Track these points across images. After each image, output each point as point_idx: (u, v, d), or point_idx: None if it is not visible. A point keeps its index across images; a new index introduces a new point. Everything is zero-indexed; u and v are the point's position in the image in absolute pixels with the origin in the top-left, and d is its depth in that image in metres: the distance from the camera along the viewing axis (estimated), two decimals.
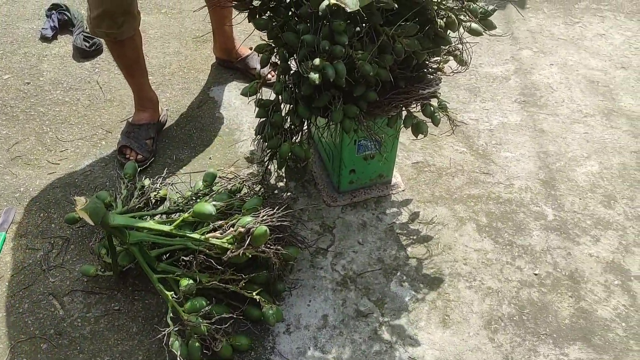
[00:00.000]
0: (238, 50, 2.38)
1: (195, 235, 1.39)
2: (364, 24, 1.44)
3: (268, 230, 1.35)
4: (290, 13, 1.46)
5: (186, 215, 1.41)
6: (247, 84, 1.81)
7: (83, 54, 2.52)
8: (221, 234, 1.38)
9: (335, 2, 1.29)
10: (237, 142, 2.16)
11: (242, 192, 1.73)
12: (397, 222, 1.90)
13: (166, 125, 2.24)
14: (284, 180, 2.03)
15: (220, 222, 1.41)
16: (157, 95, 2.27)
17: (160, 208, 1.58)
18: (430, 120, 1.66)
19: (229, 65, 2.45)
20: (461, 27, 1.51)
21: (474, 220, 1.91)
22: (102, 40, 2.50)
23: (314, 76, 1.35)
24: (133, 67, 1.99)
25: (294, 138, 1.64)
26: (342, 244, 1.84)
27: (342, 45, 1.37)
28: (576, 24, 2.76)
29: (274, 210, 1.42)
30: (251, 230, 1.34)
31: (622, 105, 2.33)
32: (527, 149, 2.15)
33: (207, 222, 1.44)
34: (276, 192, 1.99)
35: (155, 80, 2.43)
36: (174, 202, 1.63)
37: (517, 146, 2.16)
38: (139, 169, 1.97)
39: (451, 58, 1.68)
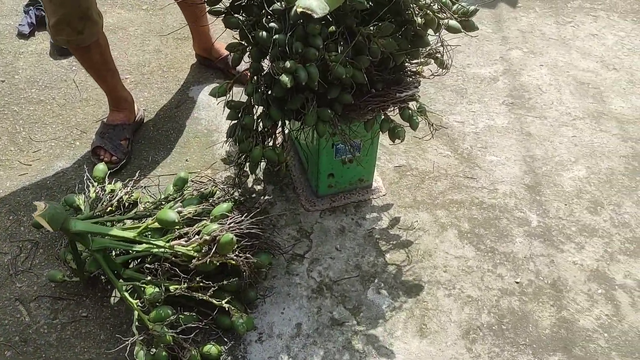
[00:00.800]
0: (217, 48, 2.36)
1: (160, 243, 1.38)
2: (338, 25, 1.42)
3: (235, 238, 1.34)
4: (263, 11, 1.45)
5: (150, 221, 1.39)
6: None
7: (60, 52, 2.50)
8: (186, 241, 1.36)
9: (302, 9, 1.28)
10: (215, 144, 2.14)
11: (216, 196, 1.72)
12: (376, 227, 1.89)
13: (143, 126, 2.22)
14: (262, 183, 2.02)
15: (186, 228, 1.40)
16: (135, 94, 2.26)
17: (131, 212, 1.57)
18: (408, 124, 1.64)
19: (209, 64, 2.43)
20: (442, 28, 1.49)
21: (456, 226, 1.89)
22: None
23: (285, 79, 1.33)
24: (102, 71, 1.97)
25: (268, 141, 1.63)
26: (319, 250, 1.83)
27: (316, 49, 1.36)
28: (568, 24, 2.75)
29: (242, 217, 1.40)
30: (217, 238, 1.33)
31: (612, 108, 2.32)
32: (513, 153, 2.14)
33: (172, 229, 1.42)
34: (253, 195, 1.98)
35: (133, 79, 2.41)
36: (145, 207, 1.61)
37: (503, 150, 2.15)
38: (112, 170, 1.96)
39: (431, 61, 1.66)
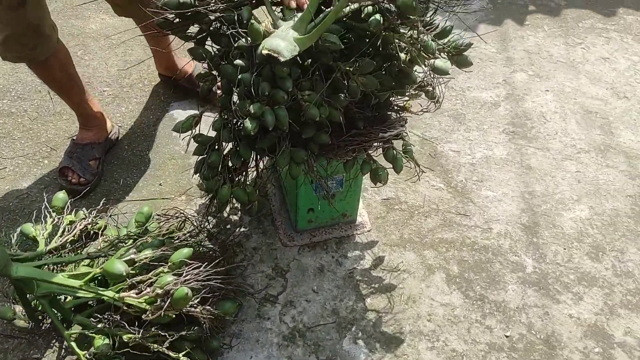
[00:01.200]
0: (182, 67, 2.22)
1: (109, 293, 1.26)
2: (313, 61, 1.30)
3: (190, 292, 1.22)
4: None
5: (97, 271, 1.28)
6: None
7: None
8: (137, 293, 1.24)
9: (267, 51, 1.16)
10: (192, 167, 2.02)
11: (185, 230, 1.61)
12: (358, 267, 1.77)
13: (117, 144, 2.11)
14: (239, 212, 1.90)
15: (139, 277, 1.28)
16: (112, 109, 2.16)
17: (84, 252, 1.45)
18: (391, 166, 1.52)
19: (175, 84, 2.27)
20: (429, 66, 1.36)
21: (444, 269, 1.77)
22: None
23: (249, 126, 1.22)
24: (66, 87, 1.86)
25: (239, 178, 1.51)
26: (294, 291, 1.71)
27: (285, 91, 1.24)
28: (578, 45, 2.60)
29: (202, 267, 1.29)
30: (170, 292, 1.21)
31: (620, 141, 2.18)
32: (511, 188, 2.00)
33: None
34: (228, 226, 1.86)
35: (111, 92, 2.30)
36: (102, 244, 1.50)
37: (500, 184, 2.02)
38: (80, 192, 1.86)
39: (422, 93, 1.53)
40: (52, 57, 1.72)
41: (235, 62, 1.29)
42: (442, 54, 1.38)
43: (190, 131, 1.45)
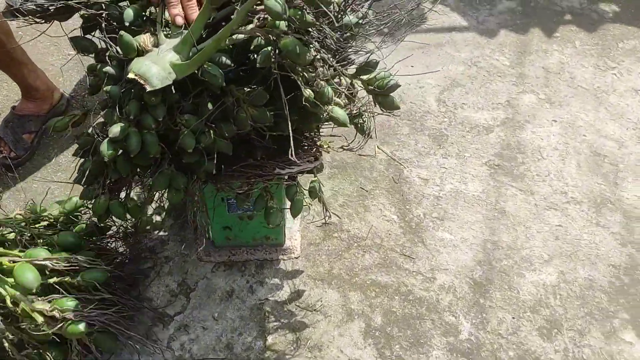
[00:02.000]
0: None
1: (11, 291, 1.19)
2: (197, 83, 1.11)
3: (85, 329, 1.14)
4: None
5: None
6: None
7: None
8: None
9: (134, 76, 0.98)
10: None
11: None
12: (271, 298, 1.60)
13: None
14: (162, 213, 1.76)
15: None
16: (70, 76, 2.04)
17: None
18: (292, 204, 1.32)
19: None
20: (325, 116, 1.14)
21: (366, 318, 1.58)
22: None
23: (105, 151, 1.06)
24: (4, 62, 1.75)
25: (125, 189, 1.36)
26: (193, 315, 1.57)
27: (154, 119, 1.07)
28: (610, 70, 2.24)
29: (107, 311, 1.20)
30: (67, 321, 1.14)
31: (623, 195, 1.86)
32: (474, 233, 1.76)
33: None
34: (148, 227, 1.73)
35: (71, 52, 2.18)
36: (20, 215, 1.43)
37: (463, 226, 1.77)
38: (11, 166, 1.79)
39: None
40: None
41: (104, 68, 1.12)
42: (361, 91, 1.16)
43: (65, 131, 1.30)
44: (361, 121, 1.29)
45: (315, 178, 1.31)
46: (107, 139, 1.08)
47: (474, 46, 2.31)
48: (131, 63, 1.01)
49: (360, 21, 1.11)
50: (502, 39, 2.33)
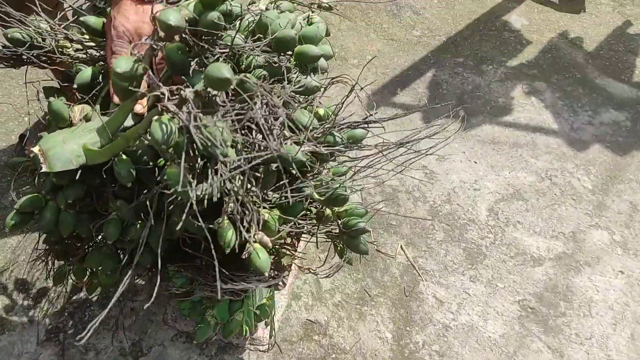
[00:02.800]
0: None
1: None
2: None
3: None
4: None
5: None
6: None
7: None
8: None
9: (37, 151, 0.89)
10: None
11: None
12: None
13: None
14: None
15: None
16: None
17: None
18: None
19: None
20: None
21: None
22: None
23: (8, 221, 1.00)
24: None
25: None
26: None
27: (65, 200, 0.99)
28: None
29: None
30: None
31: None
32: None
33: None
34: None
35: None
36: None
37: None
38: None
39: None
40: None
41: (28, 128, 1.05)
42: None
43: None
44: (340, 245, 1.12)
45: (271, 295, 1.15)
46: (14, 210, 1.00)
47: (555, 156, 2.01)
48: (45, 136, 0.92)
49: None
50: (592, 155, 2.01)
